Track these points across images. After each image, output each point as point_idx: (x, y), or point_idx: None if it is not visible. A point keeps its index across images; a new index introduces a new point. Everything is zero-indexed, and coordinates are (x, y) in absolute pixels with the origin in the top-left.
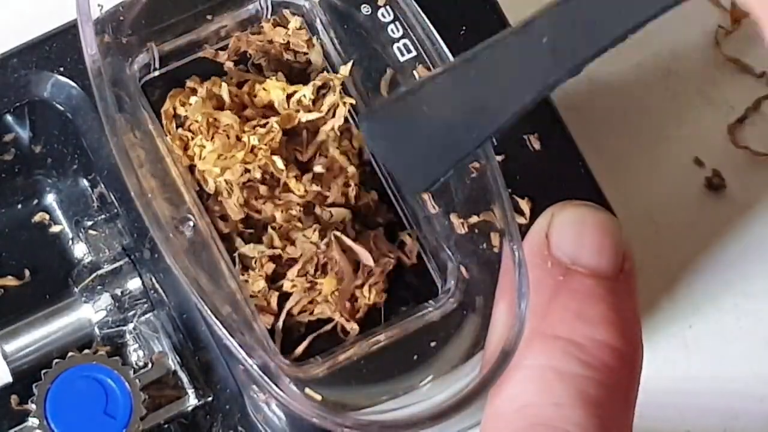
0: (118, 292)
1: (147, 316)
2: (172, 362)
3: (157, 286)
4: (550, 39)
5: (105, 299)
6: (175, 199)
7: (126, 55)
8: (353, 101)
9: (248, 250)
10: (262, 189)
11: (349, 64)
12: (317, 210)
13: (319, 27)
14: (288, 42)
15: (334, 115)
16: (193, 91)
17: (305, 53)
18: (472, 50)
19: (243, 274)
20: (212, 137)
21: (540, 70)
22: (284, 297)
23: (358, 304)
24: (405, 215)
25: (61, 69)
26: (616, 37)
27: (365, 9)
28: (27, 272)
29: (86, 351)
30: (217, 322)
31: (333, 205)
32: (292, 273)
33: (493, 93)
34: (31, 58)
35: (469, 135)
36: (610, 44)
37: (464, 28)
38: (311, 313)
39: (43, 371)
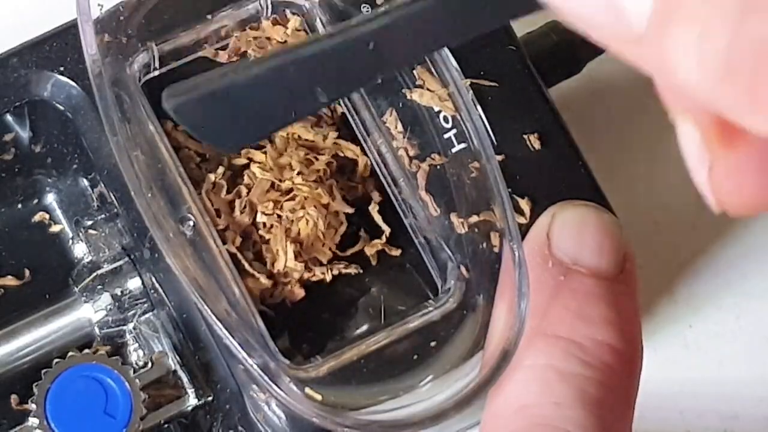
0: (118, 291)
1: (147, 315)
2: (172, 362)
3: (157, 285)
4: (375, 46)
5: (105, 299)
6: (175, 198)
7: (126, 55)
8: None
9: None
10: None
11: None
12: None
13: (319, 27)
14: (285, 41)
15: None
16: None
17: None
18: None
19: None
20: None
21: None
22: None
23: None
24: (405, 214)
25: (61, 69)
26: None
27: (365, 9)
28: (27, 272)
29: (86, 351)
30: (217, 322)
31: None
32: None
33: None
34: (31, 57)
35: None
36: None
37: None
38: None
39: (43, 371)
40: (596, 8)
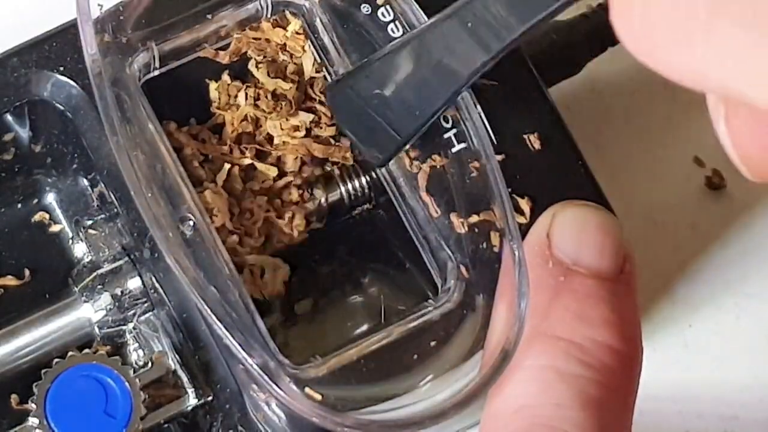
0: (118, 291)
1: (147, 315)
2: (172, 362)
3: (157, 285)
4: (473, 25)
5: (105, 299)
6: (175, 198)
7: (126, 55)
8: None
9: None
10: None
11: None
12: None
13: (319, 27)
14: (284, 44)
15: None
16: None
17: (300, 56)
18: (410, 33)
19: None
20: None
21: (469, 54)
22: None
23: None
24: (405, 214)
25: (61, 68)
26: (529, 25)
27: (365, 9)
28: (27, 272)
29: (86, 350)
30: (217, 322)
31: None
32: None
33: (435, 73)
34: (31, 57)
35: (418, 112)
36: (522, 32)
37: None
38: None
39: (43, 371)
40: None
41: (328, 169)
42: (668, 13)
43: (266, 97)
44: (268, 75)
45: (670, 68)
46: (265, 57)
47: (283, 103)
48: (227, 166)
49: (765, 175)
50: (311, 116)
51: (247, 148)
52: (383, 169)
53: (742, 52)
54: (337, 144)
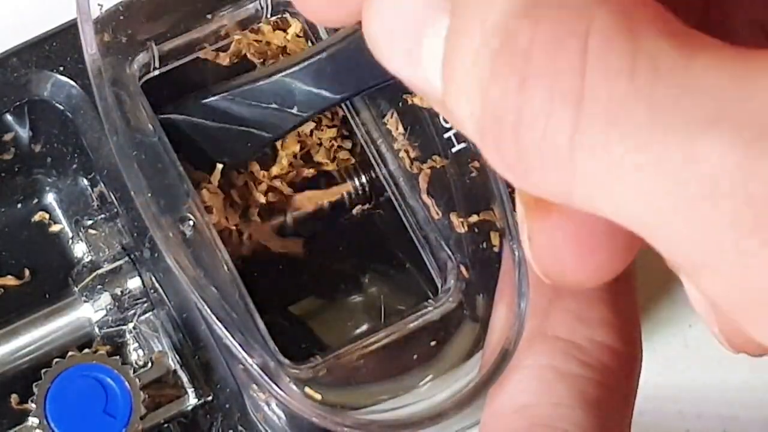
0: (117, 291)
1: (147, 315)
2: (172, 362)
3: (157, 285)
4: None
5: (105, 298)
6: (175, 198)
7: (126, 55)
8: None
9: None
10: None
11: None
12: None
13: (320, 28)
14: (285, 47)
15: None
16: None
17: None
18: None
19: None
20: None
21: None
22: None
23: None
24: (405, 214)
25: (61, 68)
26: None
27: None
28: (27, 272)
29: (86, 350)
30: (217, 322)
31: None
32: None
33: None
34: (31, 57)
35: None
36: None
37: None
38: None
39: (43, 371)
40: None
41: (329, 169)
42: (538, 143)
43: None
44: None
45: (539, 191)
46: (265, 60)
47: None
48: (220, 165)
49: (560, 282)
50: None
51: None
52: (383, 169)
53: (596, 177)
54: (338, 145)
